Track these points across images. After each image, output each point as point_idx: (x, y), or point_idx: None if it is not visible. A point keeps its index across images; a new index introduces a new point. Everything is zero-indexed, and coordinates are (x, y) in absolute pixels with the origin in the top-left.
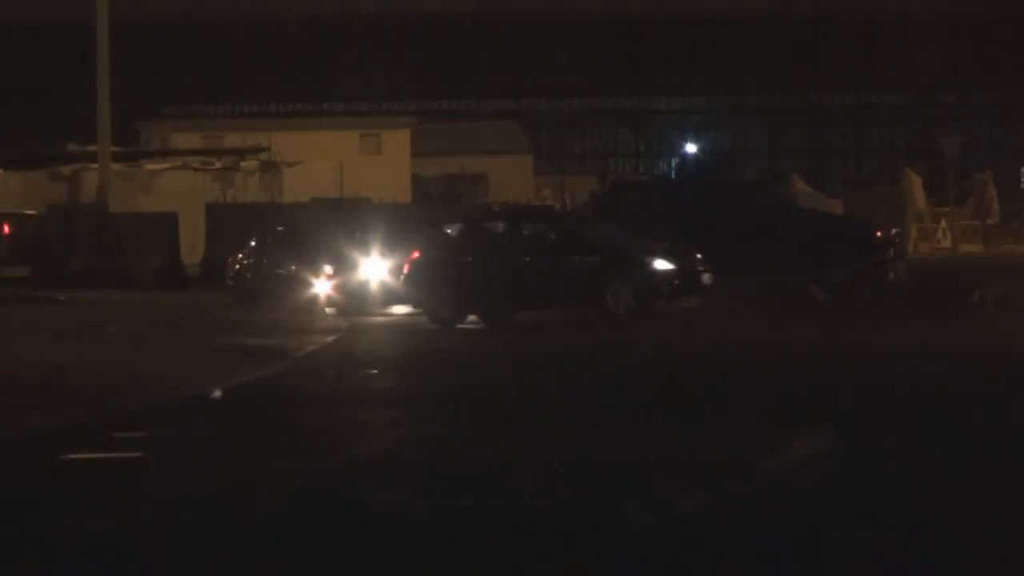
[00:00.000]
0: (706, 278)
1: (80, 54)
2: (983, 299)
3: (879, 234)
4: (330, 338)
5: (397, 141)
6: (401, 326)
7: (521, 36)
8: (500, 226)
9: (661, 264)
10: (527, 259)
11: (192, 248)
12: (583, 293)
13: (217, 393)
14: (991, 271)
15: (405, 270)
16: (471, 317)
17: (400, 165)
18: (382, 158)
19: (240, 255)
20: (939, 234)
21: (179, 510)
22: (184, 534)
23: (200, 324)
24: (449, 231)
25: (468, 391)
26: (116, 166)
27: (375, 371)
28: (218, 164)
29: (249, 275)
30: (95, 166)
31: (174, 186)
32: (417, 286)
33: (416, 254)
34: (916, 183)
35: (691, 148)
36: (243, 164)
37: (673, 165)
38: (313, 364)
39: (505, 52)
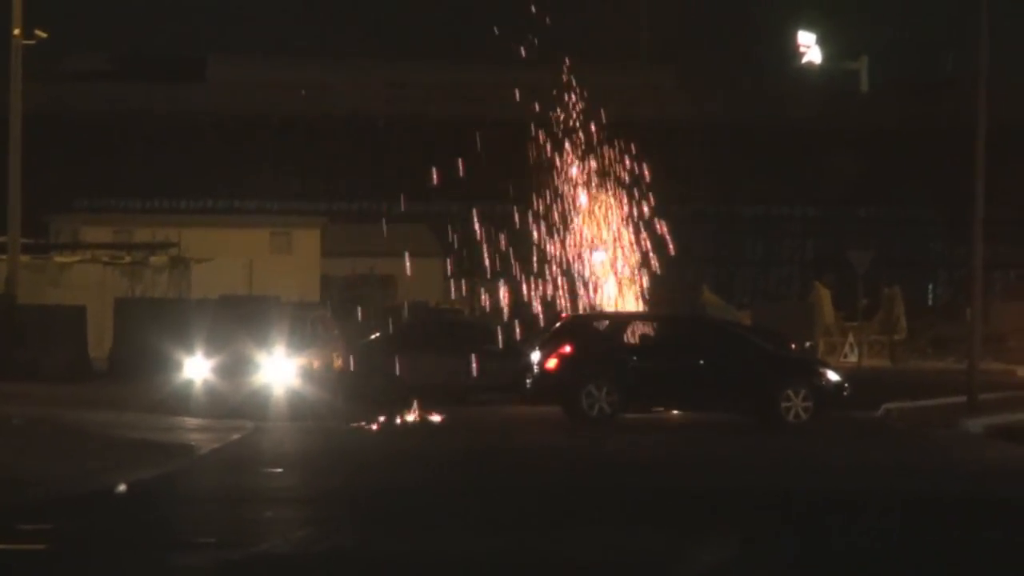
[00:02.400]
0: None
1: None
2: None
3: (791, 346)
4: (235, 436)
5: (307, 240)
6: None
7: (432, 138)
8: (661, 326)
9: (833, 375)
10: (693, 359)
11: (100, 342)
12: (752, 397)
13: (122, 487)
14: (897, 387)
15: (553, 364)
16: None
17: (310, 264)
18: (292, 257)
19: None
20: (846, 348)
21: None
22: None
23: (106, 419)
24: (603, 327)
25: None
26: (25, 258)
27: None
28: (127, 259)
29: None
30: (4, 257)
31: (83, 279)
32: (567, 381)
33: (567, 348)
34: (825, 296)
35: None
36: (152, 259)
37: None
38: (217, 460)
39: (416, 153)
